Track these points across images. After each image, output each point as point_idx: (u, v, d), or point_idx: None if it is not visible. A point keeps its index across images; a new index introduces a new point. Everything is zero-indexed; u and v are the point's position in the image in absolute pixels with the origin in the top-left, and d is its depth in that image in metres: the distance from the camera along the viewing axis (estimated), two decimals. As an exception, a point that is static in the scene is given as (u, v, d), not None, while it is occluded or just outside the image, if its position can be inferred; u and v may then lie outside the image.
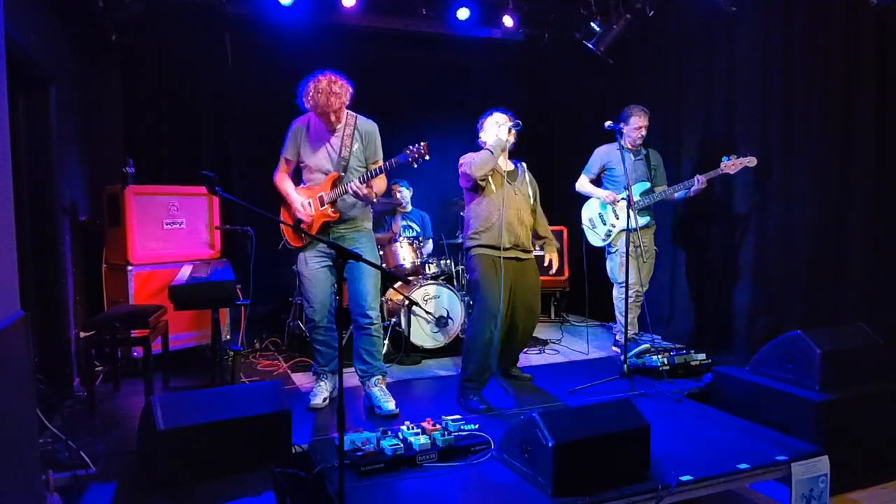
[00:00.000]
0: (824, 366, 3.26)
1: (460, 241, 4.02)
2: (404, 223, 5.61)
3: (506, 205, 3.72)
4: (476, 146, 3.92)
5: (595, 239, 4.76)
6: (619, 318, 4.65)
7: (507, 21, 5.78)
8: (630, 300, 4.58)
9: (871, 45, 3.79)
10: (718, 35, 4.81)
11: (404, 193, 5.65)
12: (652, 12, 5.09)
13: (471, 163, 3.71)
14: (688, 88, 5.16)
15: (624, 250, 4.55)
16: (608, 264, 4.77)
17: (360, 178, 3.46)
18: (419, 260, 5.12)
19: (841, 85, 3.96)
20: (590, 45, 5.38)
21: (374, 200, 3.61)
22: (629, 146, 4.63)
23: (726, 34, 4.74)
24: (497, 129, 3.79)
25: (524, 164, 4.00)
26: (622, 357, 4.12)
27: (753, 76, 4.52)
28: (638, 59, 5.56)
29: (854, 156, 3.91)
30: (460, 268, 5.33)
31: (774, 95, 4.37)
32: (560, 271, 6.10)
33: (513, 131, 3.79)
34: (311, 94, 3.39)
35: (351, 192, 3.43)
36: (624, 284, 4.55)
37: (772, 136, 4.39)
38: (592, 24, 5.41)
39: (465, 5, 5.64)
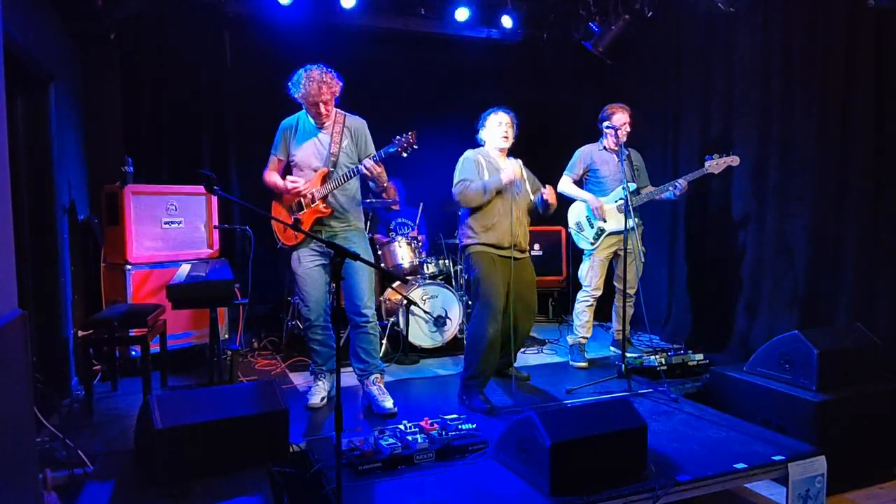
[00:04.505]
0: (821, 366, 3.27)
1: (458, 242, 3.98)
2: (399, 220, 5.61)
3: (505, 208, 3.72)
4: (474, 142, 3.91)
5: (583, 243, 4.62)
6: (576, 320, 4.60)
7: (506, 21, 5.79)
8: (586, 303, 4.56)
9: (869, 45, 3.79)
10: (718, 35, 4.82)
11: (391, 192, 5.64)
12: (651, 13, 5.09)
13: (462, 192, 3.70)
14: (686, 88, 5.16)
15: (602, 256, 4.53)
16: (581, 266, 4.65)
17: (371, 158, 3.44)
18: (417, 260, 5.12)
19: (839, 85, 3.96)
20: (588, 46, 5.39)
21: (385, 184, 3.63)
22: (612, 146, 4.51)
23: (725, 34, 4.74)
24: (499, 130, 3.79)
25: (520, 161, 3.94)
26: (620, 357, 4.13)
27: (752, 76, 4.53)
28: (637, 59, 5.56)
29: (852, 156, 3.92)
30: (459, 267, 5.33)
31: (773, 96, 4.37)
32: (558, 270, 6.12)
33: (507, 154, 3.80)
34: (302, 82, 3.42)
35: (364, 169, 3.43)
36: (587, 287, 4.54)
37: (770, 136, 4.40)
38: (591, 24, 5.42)
39: (464, 5, 5.65)
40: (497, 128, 3.81)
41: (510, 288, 3.74)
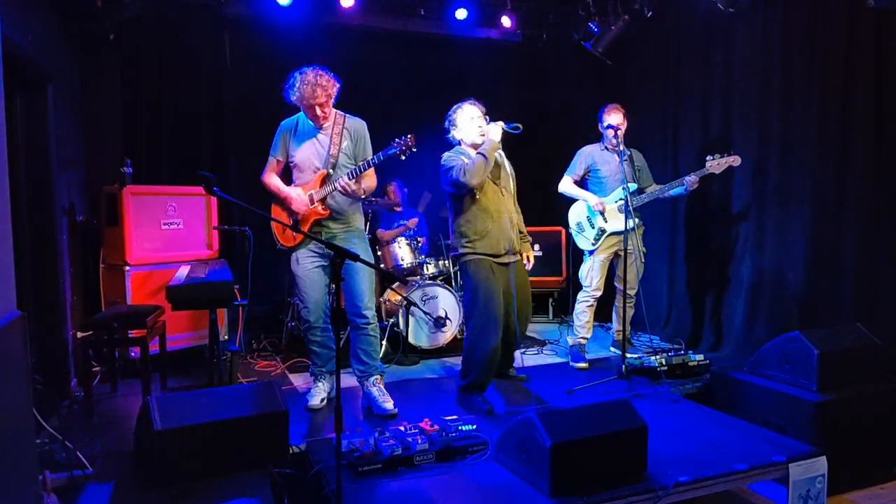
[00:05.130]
0: (822, 366, 3.26)
1: (451, 251, 3.86)
2: (400, 223, 5.61)
3: (497, 209, 3.63)
4: (447, 143, 3.77)
5: (584, 243, 4.63)
6: (576, 320, 4.61)
7: (506, 22, 5.80)
8: (586, 303, 4.56)
9: (869, 46, 3.79)
10: (717, 36, 4.82)
11: (391, 194, 5.64)
12: (650, 13, 5.10)
13: (462, 168, 3.48)
14: (686, 89, 5.16)
15: (602, 256, 4.53)
16: (582, 266, 4.66)
17: (348, 174, 3.45)
18: (417, 261, 5.12)
19: (839, 86, 3.96)
20: (588, 46, 5.39)
21: (363, 196, 3.61)
22: (611, 147, 4.51)
23: (725, 35, 4.74)
24: (472, 125, 3.63)
25: (501, 152, 3.79)
26: (620, 357, 4.12)
27: (752, 77, 4.52)
28: (636, 60, 5.56)
29: (852, 157, 3.92)
30: (458, 268, 5.32)
31: (773, 96, 4.37)
32: (558, 271, 6.12)
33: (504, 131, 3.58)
34: (297, 85, 3.41)
35: (339, 188, 3.43)
36: (587, 287, 4.55)
37: (770, 136, 4.40)
38: (590, 24, 5.42)
39: (464, 6, 5.66)
40: (470, 123, 3.66)
41: (505, 291, 3.68)
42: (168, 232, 4.50)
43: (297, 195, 3.56)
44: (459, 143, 3.75)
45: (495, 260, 3.65)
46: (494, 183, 3.69)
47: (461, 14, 5.69)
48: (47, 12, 3.89)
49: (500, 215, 3.64)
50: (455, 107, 3.75)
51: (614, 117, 4.45)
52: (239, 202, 2.69)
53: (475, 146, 3.64)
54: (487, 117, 3.68)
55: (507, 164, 3.85)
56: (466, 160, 3.55)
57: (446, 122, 3.78)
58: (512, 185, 3.83)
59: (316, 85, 3.39)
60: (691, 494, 2.60)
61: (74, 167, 4.49)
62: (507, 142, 3.67)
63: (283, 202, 3.60)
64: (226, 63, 5.49)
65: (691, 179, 4.28)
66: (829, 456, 2.83)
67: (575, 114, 6.29)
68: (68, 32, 4.41)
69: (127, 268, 4.26)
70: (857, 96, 3.88)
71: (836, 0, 3.93)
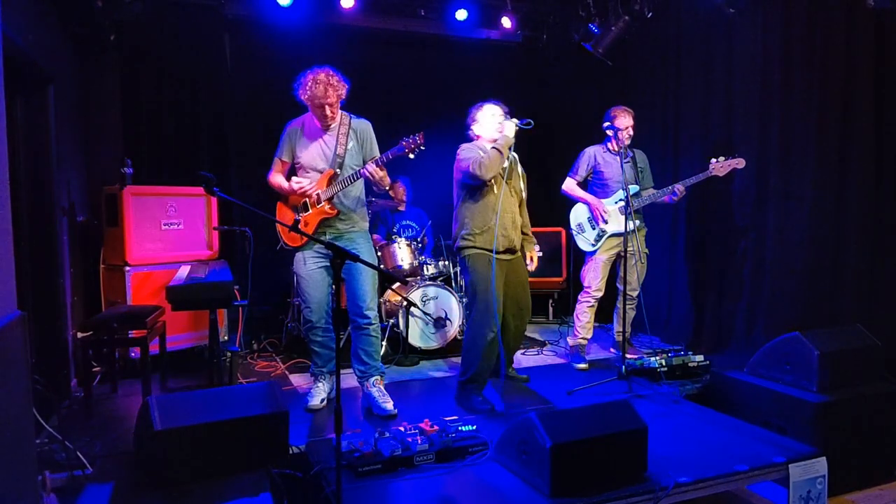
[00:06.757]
0: (822, 367, 3.27)
1: (452, 242, 3.92)
2: (404, 222, 5.61)
3: (502, 207, 3.66)
4: (466, 139, 3.85)
5: (584, 244, 4.63)
6: (577, 321, 4.61)
7: (506, 22, 5.80)
8: (587, 304, 4.57)
9: (869, 46, 3.79)
10: (717, 37, 4.81)
11: (398, 191, 5.63)
12: (650, 14, 5.09)
13: (478, 161, 3.55)
14: (686, 90, 5.15)
15: (604, 257, 4.53)
16: (583, 267, 4.66)
17: (375, 161, 3.45)
18: (417, 261, 5.12)
19: (839, 87, 3.96)
20: (588, 47, 5.39)
21: (386, 187, 3.64)
22: (615, 148, 4.51)
23: (725, 36, 4.74)
24: (493, 121, 3.72)
25: (515, 154, 3.84)
26: (620, 358, 4.12)
27: (752, 78, 4.52)
28: (636, 60, 5.57)
29: (852, 158, 3.92)
30: (458, 269, 5.32)
31: (773, 97, 4.37)
32: (558, 272, 6.12)
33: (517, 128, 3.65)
34: (308, 84, 3.42)
35: (367, 173, 3.43)
36: (588, 288, 4.56)
37: (770, 137, 4.39)
38: (591, 25, 5.42)
39: (464, 6, 5.66)
40: (491, 119, 3.74)
41: (503, 289, 3.71)
42: (168, 232, 4.50)
43: (300, 184, 3.54)
44: (477, 139, 3.82)
45: (492, 255, 3.68)
46: (506, 182, 3.75)
47: (461, 15, 5.69)
48: (48, 13, 3.89)
49: (504, 213, 3.68)
50: (478, 104, 3.85)
51: (623, 121, 4.42)
52: (239, 202, 2.69)
53: (493, 142, 3.71)
54: (508, 116, 3.76)
55: (519, 167, 3.91)
56: (483, 154, 3.63)
57: (468, 118, 3.88)
58: (522, 185, 3.88)
59: (328, 85, 3.41)
60: (691, 495, 2.60)
61: (74, 167, 4.49)
62: (516, 142, 3.70)
63: (293, 195, 3.60)
64: (226, 64, 5.48)
65: (681, 188, 4.30)
66: (829, 457, 2.83)
67: (575, 115, 6.29)
68: (68, 33, 4.41)
69: (127, 268, 4.26)
70: (857, 96, 3.87)
71: (836, 0, 3.93)
